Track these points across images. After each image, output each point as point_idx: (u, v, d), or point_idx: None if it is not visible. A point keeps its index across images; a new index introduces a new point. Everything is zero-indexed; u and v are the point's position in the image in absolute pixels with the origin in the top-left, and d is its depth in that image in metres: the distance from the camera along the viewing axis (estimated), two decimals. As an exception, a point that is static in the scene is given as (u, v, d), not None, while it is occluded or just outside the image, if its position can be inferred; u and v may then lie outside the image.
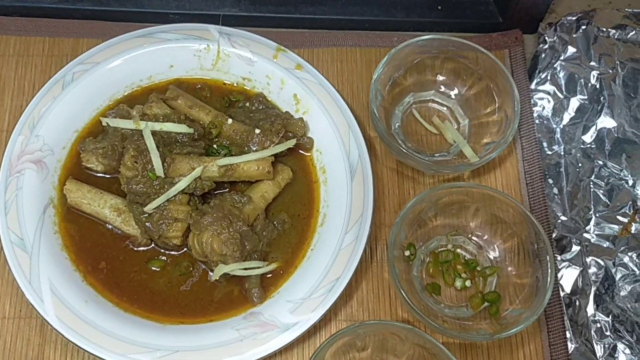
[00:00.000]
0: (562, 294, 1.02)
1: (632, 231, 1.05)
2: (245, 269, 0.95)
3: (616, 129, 1.11)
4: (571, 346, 0.99)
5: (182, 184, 0.96)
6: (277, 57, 1.08)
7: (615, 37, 1.16)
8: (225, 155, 1.01)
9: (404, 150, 1.03)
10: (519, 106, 1.03)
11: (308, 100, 1.06)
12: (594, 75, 1.14)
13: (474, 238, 1.03)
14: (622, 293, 1.02)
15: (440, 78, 1.12)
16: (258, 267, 0.97)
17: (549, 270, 0.93)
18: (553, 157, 1.11)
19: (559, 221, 1.06)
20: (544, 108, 1.14)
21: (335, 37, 1.17)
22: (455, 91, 1.12)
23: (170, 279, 0.98)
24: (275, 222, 1.01)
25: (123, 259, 0.99)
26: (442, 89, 1.13)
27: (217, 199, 0.98)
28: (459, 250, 1.03)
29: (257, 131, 1.02)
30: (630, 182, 1.08)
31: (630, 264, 1.03)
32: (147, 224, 0.96)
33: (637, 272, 1.03)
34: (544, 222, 1.05)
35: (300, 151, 1.07)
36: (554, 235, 1.06)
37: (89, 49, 1.07)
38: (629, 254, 1.03)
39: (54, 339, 0.96)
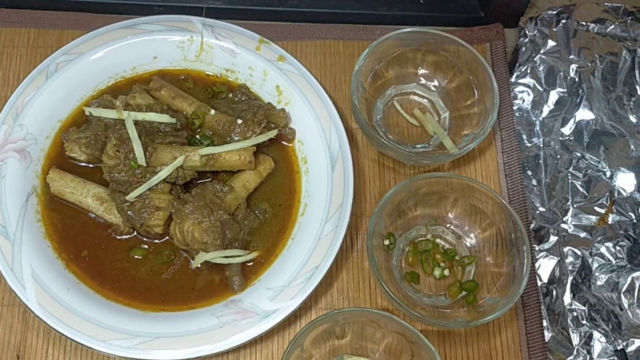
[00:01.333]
0: (539, 283, 1.04)
1: (609, 222, 1.07)
2: (226, 257, 0.97)
3: (594, 122, 1.13)
4: (548, 335, 1.01)
5: (163, 172, 0.97)
6: (259, 49, 1.09)
7: (595, 30, 1.18)
8: (207, 146, 1.02)
9: (385, 142, 1.04)
10: (497, 98, 1.04)
11: (290, 91, 1.08)
12: (573, 69, 1.15)
13: (453, 228, 1.04)
14: (599, 282, 1.03)
15: (422, 71, 1.14)
16: (239, 256, 0.98)
17: (526, 260, 0.94)
18: (532, 149, 1.12)
19: (538, 212, 1.08)
20: (524, 101, 1.15)
21: (318, 30, 1.19)
22: (437, 84, 1.13)
23: (152, 267, 0.99)
24: (256, 212, 1.03)
25: (105, 247, 1.00)
26: (424, 81, 1.14)
27: (198, 188, 0.99)
28: (438, 240, 1.04)
29: (239, 121, 1.03)
30: (608, 174, 1.10)
31: (607, 254, 1.04)
32: (129, 212, 0.97)
33: (614, 261, 1.04)
34: (522, 213, 1.06)
35: (283, 142, 1.08)
36: (532, 225, 1.07)
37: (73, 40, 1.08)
38: (606, 244, 1.05)
39: (36, 326, 0.97)
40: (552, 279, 1.04)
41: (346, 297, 1.02)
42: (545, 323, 1.01)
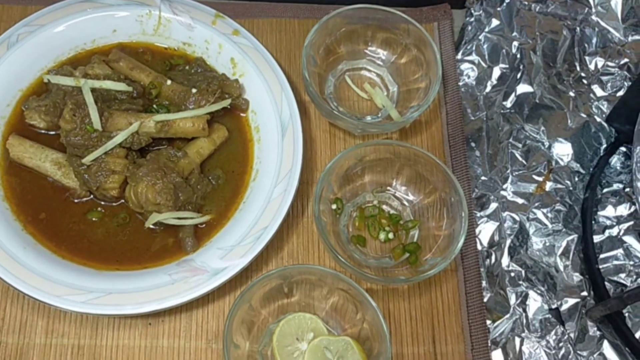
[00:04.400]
0: (480, 247, 1.09)
1: (547, 189, 1.12)
2: (179, 218, 1.00)
3: (534, 95, 1.18)
4: (487, 295, 1.06)
5: (119, 137, 1.01)
6: (215, 23, 1.14)
7: (537, 10, 1.24)
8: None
9: (334, 112, 1.09)
10: (440, 71, 1.09)
11: (244, 63, 1.12)
12: (515, 46, 1.21)
13: (398, 194, 1.09)
14: (536, 246, 1.08)
15: (372, 47, 1.19)
16: (191, 218, 1.02)
17: (463, 222, 0.99)
18: (476, 122, 1.17)
19: (480, 181, 1.13)
20: (469, 77, 1.20)
21: (274, 8, 1.23)
22: (386, 59, 1.18)
23: (108, 229, 1.03)
24: (210, 177, 1.07)
25: (63, 210, 1.03)
26: (374, 57, 1.19)
27: (153, 153, 1.03)
28: (384, 206, 1.09)
29: (194, 91, 1.07)
30: (546, 144, 1.15)
31: (544, 219, 1.10)
32: (85, 175, 1.01)
33: (550, 226, 1.09)
34: (465, 181, 1.11)
35: (238, 112, 1.12)
36: (474, 194, 1.12)
37: (35, 14, 1.12)
38: (542, 209, 1.10)
39: (-6, 286, 1.01)
40: (491, 243, 1.09)
41: (296, 259, 1.06)
42: (484, 284, 1.06)
